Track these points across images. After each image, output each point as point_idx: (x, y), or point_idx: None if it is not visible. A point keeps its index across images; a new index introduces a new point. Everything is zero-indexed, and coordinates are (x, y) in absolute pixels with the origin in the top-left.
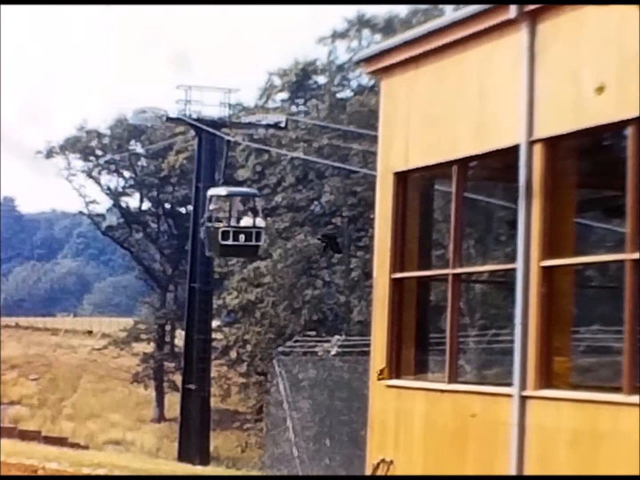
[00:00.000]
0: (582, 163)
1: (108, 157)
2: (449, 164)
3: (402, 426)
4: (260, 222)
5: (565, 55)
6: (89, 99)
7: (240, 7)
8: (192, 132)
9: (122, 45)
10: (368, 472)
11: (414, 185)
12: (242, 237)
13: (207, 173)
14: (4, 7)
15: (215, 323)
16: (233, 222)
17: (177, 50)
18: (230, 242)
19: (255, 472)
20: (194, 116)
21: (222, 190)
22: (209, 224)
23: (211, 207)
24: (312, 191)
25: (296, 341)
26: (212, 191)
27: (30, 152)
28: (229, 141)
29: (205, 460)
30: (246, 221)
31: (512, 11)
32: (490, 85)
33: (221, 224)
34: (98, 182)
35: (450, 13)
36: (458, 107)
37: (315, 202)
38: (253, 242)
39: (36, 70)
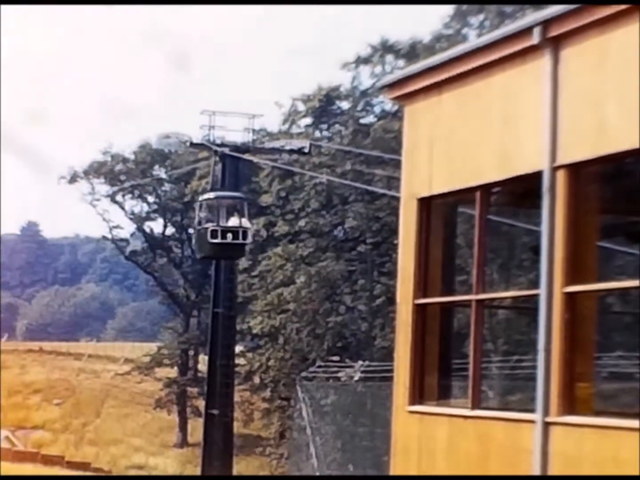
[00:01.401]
0: (605, 189)
1: (132, 182)
2: (473, 189)
3: (424, 452)
4: (245, 222)
5: (589, 81)
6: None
7: (265, 30)
8: (216, 158)
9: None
10: None
11: (438, 210)
12: (229, 235)
13: None
14: (4, 7)
15: (238, 348)
16: (221, 222)
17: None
18: (218, 240)
19: None
20: (218, 142)
21: (211, 195)
22: (199, 227)
23: (202, 212)
24: (336, 216)
25: (319, 366)
26: (202, 197)
27: (31, 155)
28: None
29: None
30: (233, 221)
31: (536, 37)
32: (514, 111)
33: (210, 224)
34: (122, 207)
35: (474, 39)
36: (481, 133)
37: (339, 228)
38: (240, 241)
39: (36, 70)
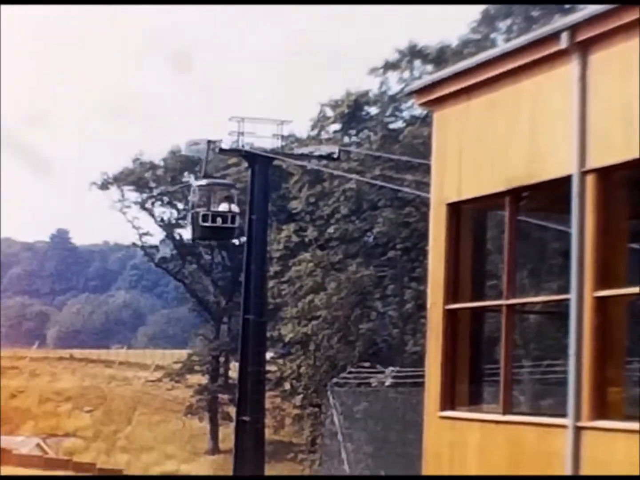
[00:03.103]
0: (635, 193)
1: (162, 188)
2: (502, 194)
3: (456, 457)
4: (235, 208)
5: (617, 85)
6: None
7: (293, 38)
8: (245, 164)
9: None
10: None
11: (467, 216)
12: (219, 220)
13: (260, 204)
14: (4, 7)
15: (269, 355)
16: (212, 208)
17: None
18: (209, 224)
19: None
20: (247, 148)
21: (203, 181)
22: (192, 211)
23: (195, 197)
24: (365, 222)
25: (350, 373)
26: (195, 183)
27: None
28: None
29: None
30: (223, 207)
31: (563, 42)
32: (542, 115)
33: (202, 209)
34: (152, 214)
35: (502, 44)
36: (510, 138)
37: (369, 234)
38: (229, 225)
39: (36, 70)
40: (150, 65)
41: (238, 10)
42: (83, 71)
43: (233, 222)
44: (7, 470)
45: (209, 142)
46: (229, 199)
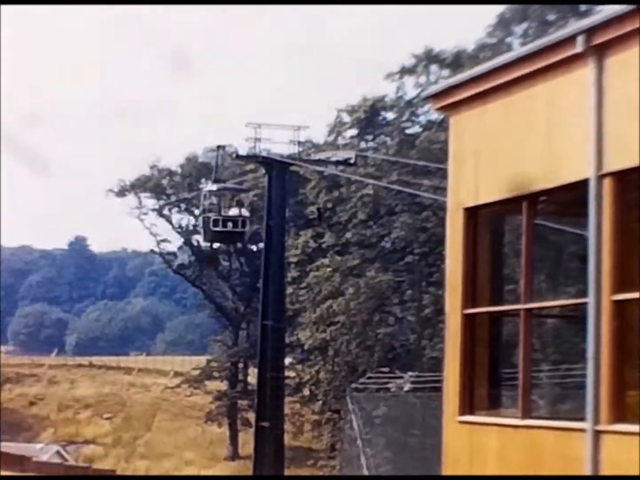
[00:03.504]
0: None
1: (179, 195)
2: (519, 199)
3: (475, 462)
4: (245, 212)
5: (633, 88)
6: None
7: (309, 44)
8: (262, 170)
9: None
10: None
11: (484, 220)
12: (230, 224)
13: (278, 210)
14: (4, 7)
15: (287, 360)
16: (223, 212)
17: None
18: (220, 228)
19: None
20: (264, 154)
21: (213, 187)
22: (204, 215)
23: (206, 202)
24: (383, 227)
25: (369, 378)
26: (206, 188)
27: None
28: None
29: None
30: (234, 211)
31: (579, 45)
32: (559, 119)
33: (213, 214)
34: (169, 221)
35: (518, 47)
36: (527, 142)
37: (386, 239)
38: (239, 229)
39: (36, 70)
40: (152, 66)
41: (246, 10)
42: (83, 71)
43: (243, 226)
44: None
45: (219, 147)
46: (239, 204)
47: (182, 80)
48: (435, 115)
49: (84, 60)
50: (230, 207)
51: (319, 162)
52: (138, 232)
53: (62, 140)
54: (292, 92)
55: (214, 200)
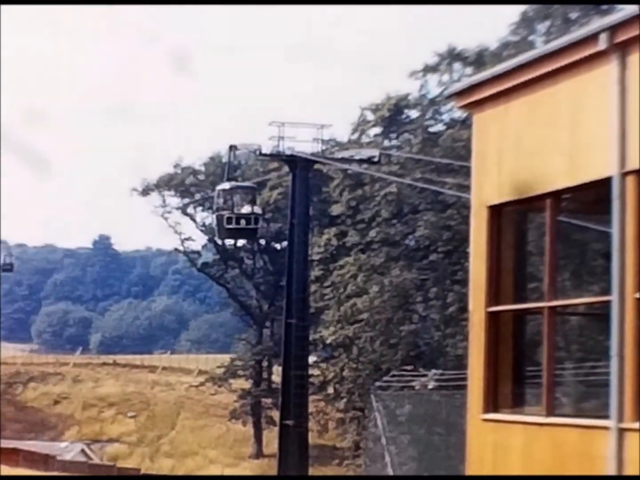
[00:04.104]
0: None
1: (202, 194)
2: (543, 196)
3: (499, 460)
4: (257, 209)
5: None
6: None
7: (331, 44)
8: (286, 168)
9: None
10: None
11: (508, 218)
12: (242, 221)
13: (302, 209)
14: (5, 7)
15: (311, 359)
16: (236, 210)
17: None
18: (233, 225)
19: None
20: (288, 152)
21: (226, 185)
22: (217, 214)
23: (219, 200)
24: (406, 226)
25: (393, 376)
26: (219, 187)
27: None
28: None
29: None
30: (246, 209)
31: (602, 43)
32: (582, 117)
33: (226, 212)
34: (193, 219)
35: (540, 45)
36: (550, 140)
37: (410, 237)
38: (252, 226)
39: (36, 70)
40: (157, 65)
41: (254, 9)
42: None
43: (256, 223)
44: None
45: (231, 147)
46: (251, 202)
47: (195, 80)
48: (458, 114)
49: (85, 59)
50: (242, 205)
51: (342, 160)
52: (162, 230)
53: (80, 140)
54: (312, 92)
55: (227, 198)
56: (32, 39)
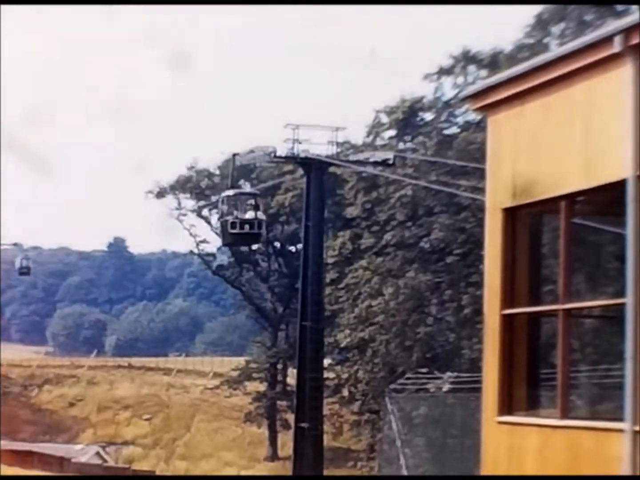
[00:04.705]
0: None
1: (218, 196)
2: (557, 199)
3: (514, 462)
4: (260, 215)
5: None
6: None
7: (347, 44)
8: (301, 171)
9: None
10: None
11: (523, 220)
12: (246, 226)
13: (316, 211)
14: (5, 7)
15: (326, 361)
16: (239, 215)
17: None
18: (237, 230)
19: None
20: (302, 155)
21: (230, 192)
22: (222, 219)
23: (223, 206)
24: (422, 228)
25: (408, 378)
26: (223, 194)
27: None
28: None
29: None
30: (250, 214)
31: (617, 45)
32: (596, 120)
33: (230, 217)
34: (208, 222)
35: (555, 48)
36: (565, 143)
37: (425, 239)
38: (255, 231)
39: (37, 70)
40: (159, 65)
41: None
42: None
43: (260, 228)
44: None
45: (234, 155)
46: (255, 207)
47: (201, 80)
48: (472, 116)
49: (84, 60)
50: (246, 210)
51: (357, 162)
52: (177, 233)
53: (87, 141)
54: (327, 95)
55: (231, 204)
56: (32, 39)
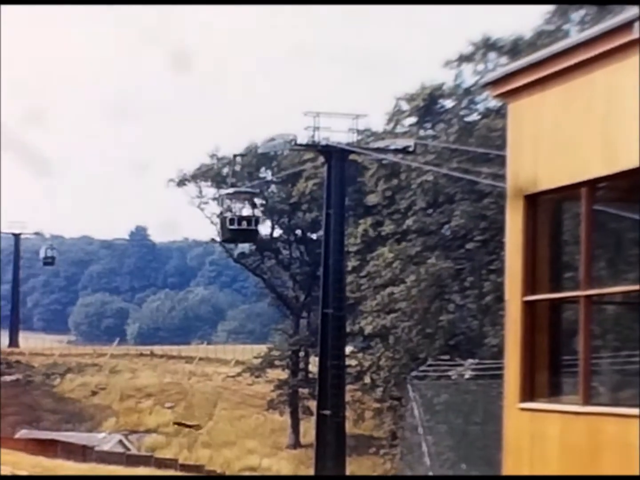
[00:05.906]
0: None
1: (239, 185)
2: (578, 185)
3: (536, 449)
4: (257, 212)
5: None
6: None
7: (366, 32)
8: (322, 159)
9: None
10: None
11: (544, 207)
12: (244, 223)
13: (337, 199)
14: (4, 7)
15: (348, 349)
16: (237, 212)
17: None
18: (235, 226)
19: None
20: (323, 142)
21: (230, 190)
22: (221, 216)
23: (224, 204)
24: (442, 215)
25: (430, 365)
26: (222, 192)
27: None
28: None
29: None
30: (247, 211)
31: (636, 31)
32: (617, 105)
33: (229, 214)
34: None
35: (575, 34)
36: (586, 129)
37: (446, 226)
38: (252, 227)
39: (36, 70)
40: (162, 63)
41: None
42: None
43: (256, 224)
44: (90, 467)
45: (235, 156)
46: (252, 205)
47: (205, 76)
48: (493, 103)
49: (85, 60)
50: (244, 207)
51: (378, 150)
52: (199, 221)
53: (95, 135)
54: (349, 85)
55: (230, 202)
56: (32, 39)
